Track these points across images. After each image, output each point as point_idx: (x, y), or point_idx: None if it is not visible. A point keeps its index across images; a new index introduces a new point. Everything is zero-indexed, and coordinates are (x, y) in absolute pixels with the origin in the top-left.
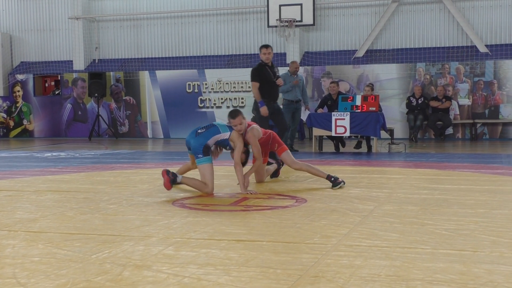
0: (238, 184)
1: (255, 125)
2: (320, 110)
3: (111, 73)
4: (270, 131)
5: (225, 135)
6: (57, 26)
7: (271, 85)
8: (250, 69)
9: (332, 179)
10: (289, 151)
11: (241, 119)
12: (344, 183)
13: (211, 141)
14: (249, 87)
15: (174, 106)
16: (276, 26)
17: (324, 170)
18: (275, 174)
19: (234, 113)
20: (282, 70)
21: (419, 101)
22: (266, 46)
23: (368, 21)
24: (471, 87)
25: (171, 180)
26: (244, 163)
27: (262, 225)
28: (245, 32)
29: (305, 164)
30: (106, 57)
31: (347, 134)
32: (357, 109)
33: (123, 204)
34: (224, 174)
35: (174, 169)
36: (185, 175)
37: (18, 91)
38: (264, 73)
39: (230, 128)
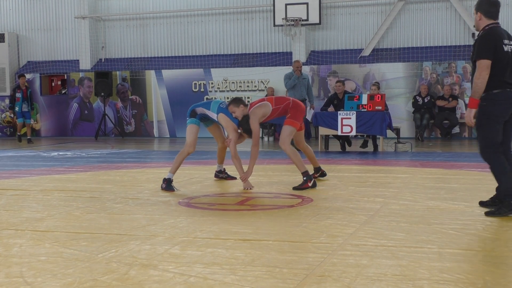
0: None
1: (264, 102)
2: (331, 109)
3: (117, 72)
4: (291, 99)
5: (211, 114)
6: (64, 26)
7: None
8: (256, 68)
9: (304, 178)
10: (294, 129)
11: (232, 108)
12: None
13: (199, 110)
14: (255, 86)
15: (180, 105)
16: (282, 25)
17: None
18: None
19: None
20: (286, 70)
21: (426, 100)
22: None
23: (374, 20)
24: None
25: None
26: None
27: (268, 225)
28: (251, 31)
29: (292, 151)
30: (112, 57)
31: (353, 133)
32: (363, 108)
33: (129, 204)
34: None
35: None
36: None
37: None
38: None
39: (220, 109)
